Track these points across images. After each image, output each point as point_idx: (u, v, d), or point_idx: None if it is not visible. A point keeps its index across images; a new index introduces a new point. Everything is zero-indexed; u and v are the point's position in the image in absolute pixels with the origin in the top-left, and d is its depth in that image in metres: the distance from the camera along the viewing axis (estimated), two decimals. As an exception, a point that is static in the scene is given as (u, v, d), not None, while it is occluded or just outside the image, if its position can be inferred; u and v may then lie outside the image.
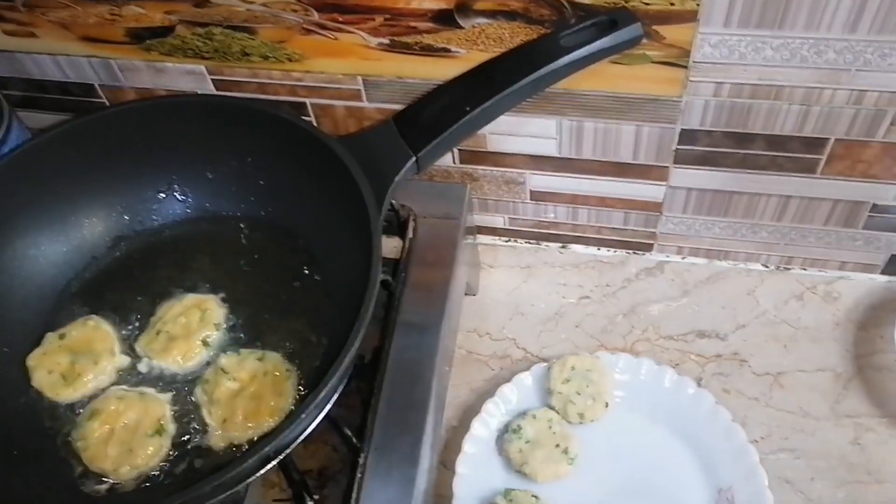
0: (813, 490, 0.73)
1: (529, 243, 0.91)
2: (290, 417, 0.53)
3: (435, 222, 0.78)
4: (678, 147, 0.74)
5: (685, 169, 0.76)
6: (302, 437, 0.57)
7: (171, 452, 0.61)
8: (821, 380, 0.79)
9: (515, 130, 0.75)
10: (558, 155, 0.78)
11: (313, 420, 0.57)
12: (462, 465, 0.75)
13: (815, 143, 0.71)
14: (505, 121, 0.73)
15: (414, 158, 0.62)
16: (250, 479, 0.55)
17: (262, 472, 0.56)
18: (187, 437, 0.62)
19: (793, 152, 0.72)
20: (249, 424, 0.60)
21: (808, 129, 0.69)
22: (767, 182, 0.75)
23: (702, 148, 0.73)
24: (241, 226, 0.72)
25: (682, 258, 0.88)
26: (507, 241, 0.92)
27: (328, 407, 0.59)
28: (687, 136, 0.72)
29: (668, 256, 0.88)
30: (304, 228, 0.70)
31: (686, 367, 0.80)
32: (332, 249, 0.68)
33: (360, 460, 0.64)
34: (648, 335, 0.83)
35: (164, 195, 0.73)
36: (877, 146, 0.70)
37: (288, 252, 0.70)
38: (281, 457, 0.56)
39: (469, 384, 0.83)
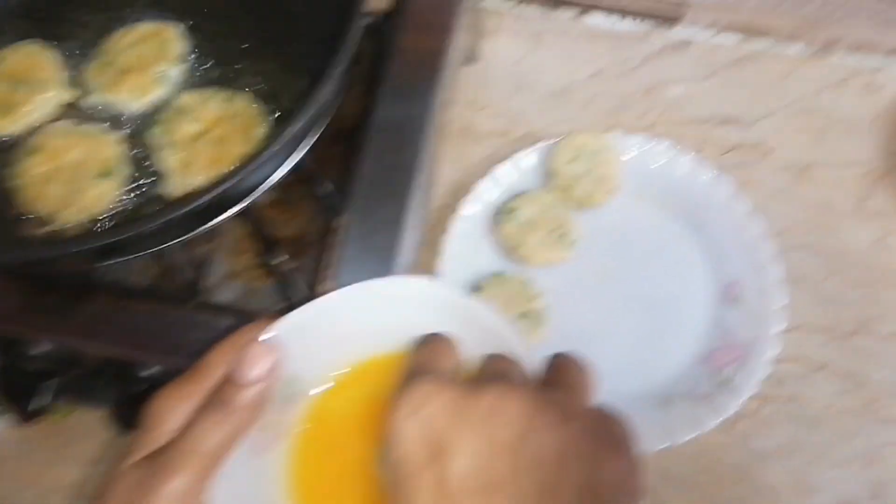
0: (825, 289, 0.68)
1: (541, 8, 0.80)
2: (257, 154, 0.45)
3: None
4: None
5: (735, -85, 0.64)
6: (269, 183, 0.50)
7: (122, 197, 0.53)
8: (850, 175, 0.72)
9: None
10: None
11: (282, 163, 0.50)
12: (450, 245, 0.69)
13: None
14: None
15: None
16: (210, 224, 0.48)
17: (224, 217, 0.49)
18: (141, 181, 0.54)
19: None
20: (212, 171, 0.52)
21: None
22: (830, -62, 0.64)
23: None
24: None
25: (713, 34, 0.78)
26: (515, 5, 0.80)
27: (301, 154, 0.51)
28: None
29: (696, 31, 0.78)
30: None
31: (705, 154, 0.72)
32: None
33: (339, 222, 0.57)
34: (666, 117, 0.75)
35: None
36: None
37: (263, -20, 0.60)
38: (245, 203, 0.49)
39: (463, 161, 0.75)
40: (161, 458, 0.40)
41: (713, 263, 0.68)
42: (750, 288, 0.66)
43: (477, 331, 0.45)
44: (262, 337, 0.44)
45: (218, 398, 0.42)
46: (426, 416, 0.37)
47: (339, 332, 0.45)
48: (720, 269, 0.68)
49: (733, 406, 0.62)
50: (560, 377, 0.42)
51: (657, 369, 0.66)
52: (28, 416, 0.70)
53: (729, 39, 0.77)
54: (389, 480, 0.38)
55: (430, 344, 0.44)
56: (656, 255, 0.69)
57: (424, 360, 0.42)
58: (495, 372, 0.41)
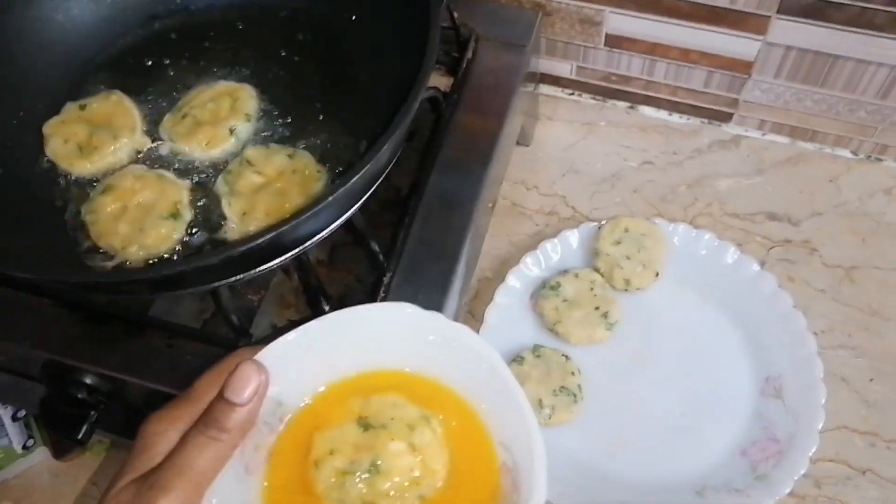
0: (870, 392, 0.67)
1: (595, 99, 0.83)
2: (313, 203, 0.47)
3: (497, 56, 0.70)
4: (786, -9, 0.64)
5: (789, 21, 0.67)
6: (321, 235, 0.52)
7: (184, 239, 0.56)
8: (897, 280, 0.71)
9: (603, -51, 0.67)
10: (646, -11, 0.69)
11: (335, 218, 0.52)
12: (492, 315, 0.70)
13: (949, 2, 0.61)
14: (593, -62, 0.64)
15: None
16: (263, 268, 0.50)
17: (276, 262, 0.51)
18: (202, 225, 0.57)
19: (920, 10, 0.62)
20: (269, 221, 0.55)
21: (944, -19, 0.60)
22: (881, 47, 0.66)
23: (814, -5, 0.64)
24: (287, 18, 0.66)
25: (763, 134, 0.79)
26: (570, 94, 0.84)
27: (353, 211, 0.53)
28: (800, -23, 0.63)
29: (746, 130, 0.80)
30: (354, 28, 0.63)
31: (750, 249, 0.73)
32: (383, 50, 0.61)
33: (386, 280, 0.59)
34: (712, 210, 0.76)
35: (208, -28, 0.67)
36: None
37: (333, 51, 0.64)
38: (297, 251, 0.51)
39: (509, 237, 0.77)
40: (152, 479, 0.41)
41: (754, 355, 0.68)
42: (791, 383, 0.65)
43: (463, 355, 0.45)
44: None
45: (208, 418, 0.43)
46: None
47: (325, 356, 0.46)
48: (761, 362, 0.67)
49: (769, 503, 0.61)
50: None
51: (692, 458, 0.64)
52: (64, 450, 0.71)
53: (779, 139, 0.79)
54: None
55: None
56: (697, 342, 0.69)
57: None
58: None
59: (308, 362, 0.46)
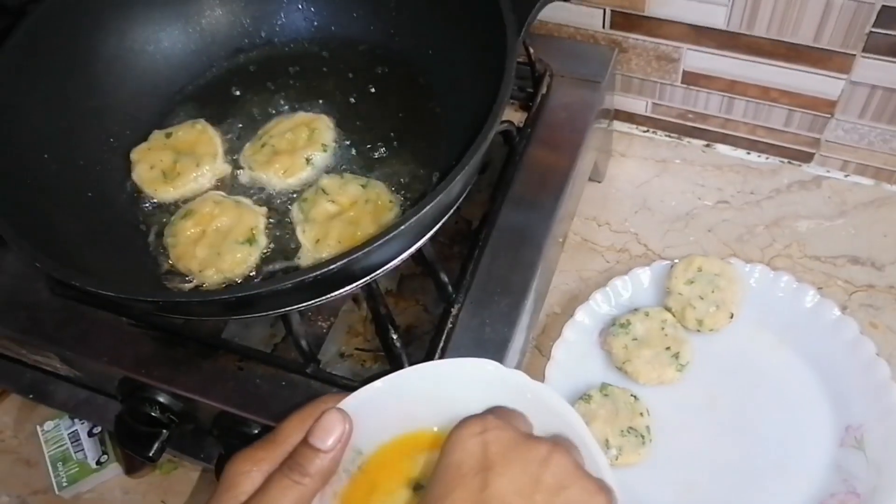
0: (960, 448, 0.63)
1: (670, 137, 0.82)
2: (385, 232, 0.47)
3: (571, 91, 0.70)
4: (873, 29, 0.63)
5: (874, 60, 0.65)
6: (392, 264, 0.52)
7: (258, 264, 0.58)
8: None
9: (682, -13, 0.67)
10: (725, 27, 0.68)
11: (406, 247, 0.52)
12: (559, 351, 0.69)
13: None
14: (672, -25, 0.64)
15: (568, -30, 0.54)
16: (333, 294, 0.51)
17: (347, 290, 0.51)
18: (277, 252, 0.58)
19: None
20: (342, 248, 0.56)
21: None
22: (974, 87, 0.64)
23: (902, 33, 0.62)
24: (366, 51, 0.67)
25: (846, 175, 0.77)
26: (645, 131, 0.83)
27: (424, 241, 0.54)
28: (888, 15, 0.61)
29: (828, 171, 0.78)
30: (431, 61, 0.64)
31: (830, 293, 0.71)
32: (459, 83, 0.61)
33: (454, 311, 0.59)
34: (791, 252, 0.74)
35: (290, 9, 0.69)
36: None
37: (410, 84, 0.65)
38: (368, 279, 0.51)
39: (579, 272, 0.76)
40: None
41: (833, 403, 0.65)
42: (874, 434, 0.62)
43: (542, 414, 0.46)
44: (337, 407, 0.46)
45: (293, 462, 0.44)
46: (487, 439, 0.42)
47: (405, 408, 0.47)
48: (841, 410, 0.64)
49: (849, 560, 0.58)
50: None
51: (766, 509, 0.62)
52: (135, 466, 0.73)
53: (863, 180, 0.76)
54: (436, 479, 0.42)
55: (507, 410, 0.46)
56: (772, 387, 0.66)
57: (498, 412, 0.45)
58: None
59: (389, 413, 0.47)
